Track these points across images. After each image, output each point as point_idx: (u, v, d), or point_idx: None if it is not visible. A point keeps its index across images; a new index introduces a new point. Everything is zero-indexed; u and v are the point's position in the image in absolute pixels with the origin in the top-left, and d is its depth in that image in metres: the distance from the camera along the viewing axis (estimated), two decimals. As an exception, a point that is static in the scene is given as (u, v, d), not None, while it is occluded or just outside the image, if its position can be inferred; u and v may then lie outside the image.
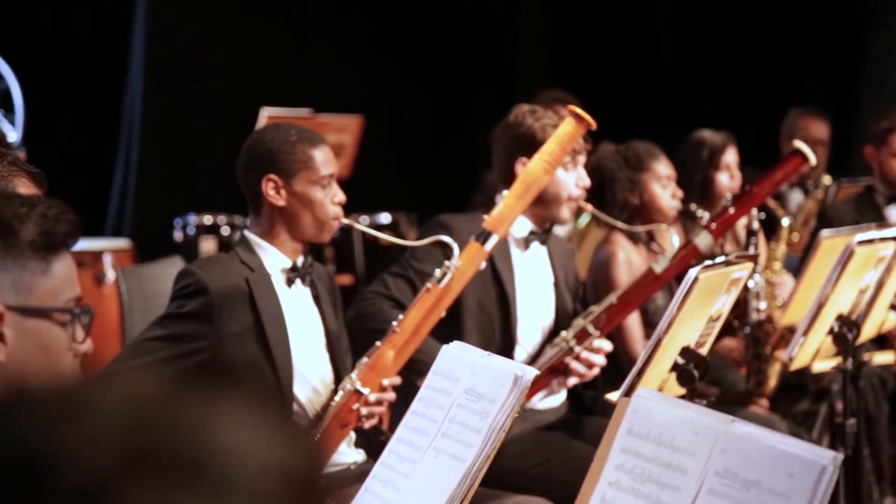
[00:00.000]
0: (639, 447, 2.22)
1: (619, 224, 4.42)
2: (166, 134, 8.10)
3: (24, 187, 2.52)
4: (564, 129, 3.74)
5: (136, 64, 8.20)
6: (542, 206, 3.95)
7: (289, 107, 6.77)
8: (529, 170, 3.72)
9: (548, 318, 4.15)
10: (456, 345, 2.82)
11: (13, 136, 8.12)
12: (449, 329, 3.61)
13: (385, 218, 6.79)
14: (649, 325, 4.67)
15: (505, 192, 3.85)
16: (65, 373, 1.97)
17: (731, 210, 4.25)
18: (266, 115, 6.30)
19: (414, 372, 3.54)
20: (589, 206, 4.19)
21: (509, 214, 3.67)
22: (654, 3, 8.95)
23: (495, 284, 4.02)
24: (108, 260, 6.41)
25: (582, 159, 4.05)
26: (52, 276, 1.94)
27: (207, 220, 6.63)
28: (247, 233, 3.61)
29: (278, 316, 3.52)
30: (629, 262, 4.68)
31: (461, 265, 3.55)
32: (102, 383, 0.88)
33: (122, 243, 6.94)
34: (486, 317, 4.02)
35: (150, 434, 0.84)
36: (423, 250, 3.86)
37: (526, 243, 4.11)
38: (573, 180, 4.03)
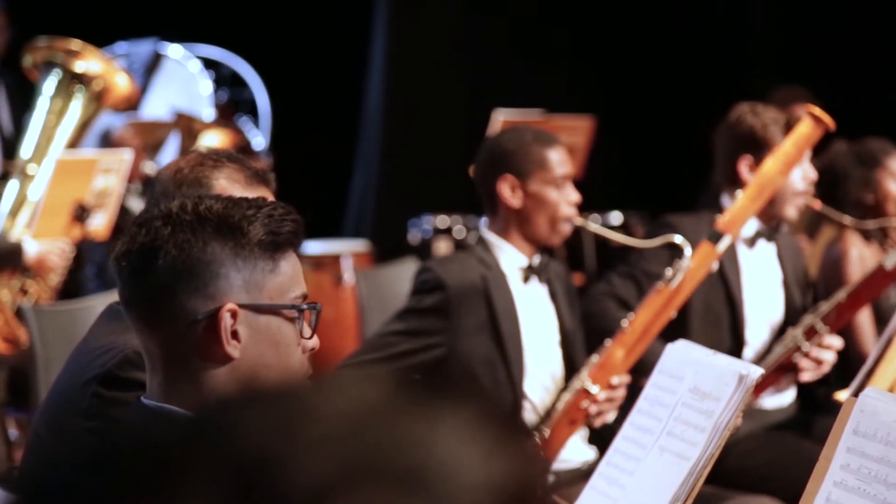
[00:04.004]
0: (865, 447, 2.19)
1: (847, 219, 4.32)
2: (404, 137, 8.25)
3: (227, 180, 2.63)
4: (801, 130, 3.69)
5: (376, 69, 8.39)
6: (769, 204, 3.91)
7: (521, 108, 6.81)
8: (765, 171, 3.69)
9: (777, 316, 4.09)
10: (681, 343, 2.81)
11: (260, 141, 8.42)
12: (676, 330, 3.59)
13: (616, 218, 6.78)
14: (882, 322, 4.56)
15: (734, 193, 3.83)
16: (294, 368, 2.05)
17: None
18: (499, 117, 6.36)
19: (640, 373, 3.54)
20: (817, 204, 4.11)
21: (743, 215, 3.64)
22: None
23: (722, 285, 3.98)
24: (346, 262, 6.60)
25: (808, 154, 3.98)
26: (280, 274, 2.02)
27: (442, 221, 6.74)
28: (484, 232, 3.68)
29: (512, 312, 3.58)
30: (862, 259, 4.57)
31: (693, 266, 3.54)
32: (324, 390, 0.88)
33: (360, 245, 7.14)
34: (713, 317, 3.99)
35: (370, 444, 0.83)
36: (650, 251, 3.86)
37: (752, 242, 4.06)
38: (799, 176, 3.96)
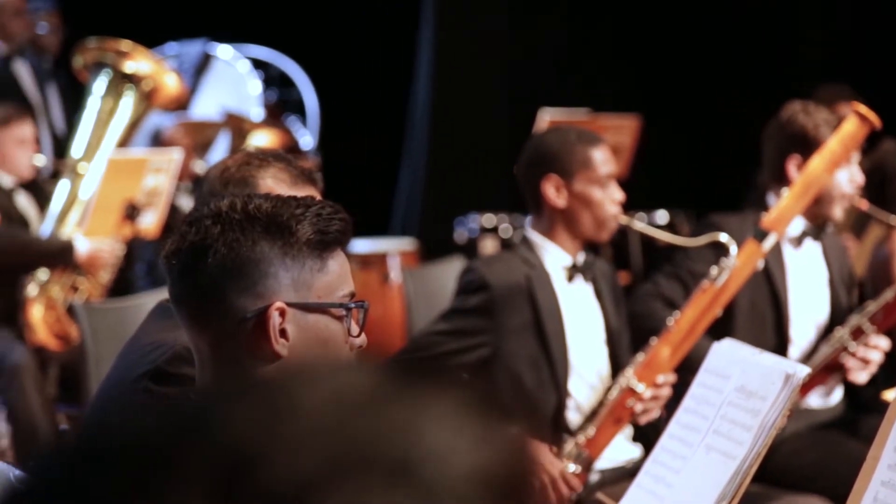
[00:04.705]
0: (912, 446, 2.18)
1: (894, 219, 4.30)
2: (450, 136, 8.27)
3: (273, 179, 2.65)
4: (847, 128, 3.69)
5: (423, 69, 8.42)
6: (815, 204, 3.90)
7: (567, 107, 6.82)
8: (810, 169, 3.68)
9: (822, 315, 4.08)
10: (727, 342, 2.81)
11: (308, 141, 8.47)
12: (720, 329, 3.59)
13: (662, 216, 6.77)
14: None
15: (781, 191, 3.82)
16: None
17: None
18: (545, 116, 6.37)
19: (686, 371, 3.54)
20: (864, 204, 4.09)
21: (788, 214, 3.64)
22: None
23: (767, 284, 3.98)
24: (393, 260, 6.64)
25: (856, 156, 3.97)
26: (328, 272, 2.03)
27: (489, 220, 6.75)
28: (528, 231, 3.69)
29: (556, 312, 3.59)
30: (910, 259, 4.55)
31: (738, 264, 3.53)
32: (311, 380, 0.85)
33: (407, 244, 7.17)
34: (757, 316, 3.98)
35: (356, 435, 0.81)
36: (695, 250, 3.85)
37: (799, 241, 4.05)
38: (846, 178, 3.95)
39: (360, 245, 6.80)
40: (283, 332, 2.00)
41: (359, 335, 2.09)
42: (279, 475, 0.79)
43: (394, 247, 6.99)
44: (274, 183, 2.64)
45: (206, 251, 1.98)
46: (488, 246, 6.62)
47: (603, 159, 3.61)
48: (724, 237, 3.58)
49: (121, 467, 0.81)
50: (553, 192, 3.59)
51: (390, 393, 0.85)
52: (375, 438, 0.81)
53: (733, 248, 3.55)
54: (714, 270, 3.53)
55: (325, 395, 0.83)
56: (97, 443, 0.84)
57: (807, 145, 3.89)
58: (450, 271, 4.97)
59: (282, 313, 2.00)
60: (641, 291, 4.01)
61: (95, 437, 0.85)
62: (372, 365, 0.87)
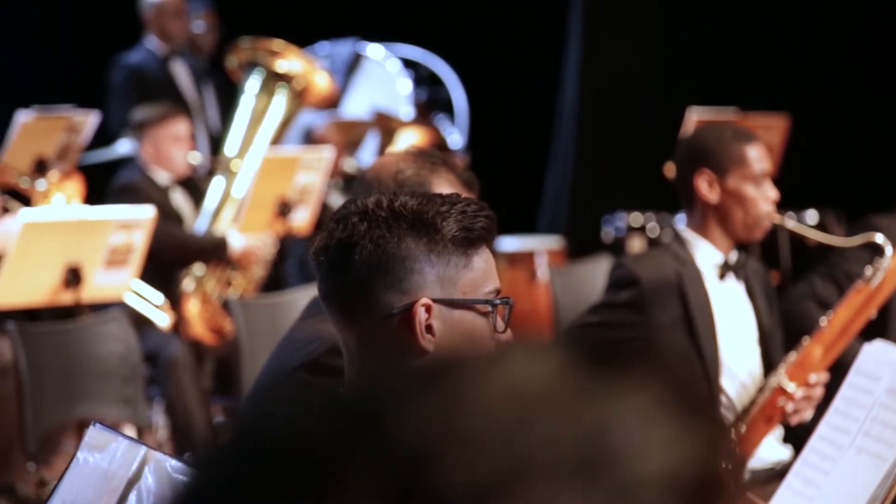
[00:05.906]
0: None
1: None
2: (598, 135, 8.26)
3: (445, 182, 2.68)
4: None
5: (571, 67, 8.41)
6: None
7: (716, 106, 6.76)
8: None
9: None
10: (878, 343, 2.77)
11: (456, 139, 8.53)
12: (873, 330, 3.53)
13: (812, 216, 6.66)
14: None
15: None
16: None
17: None
18: (693, 115, 6.32)
19: (838, 372, 3.50)
20: None
21: (946, 214, 3.57)
22: None
23: (921, 286, 3.91)
24: (540, 258, 6.66)
25: None
26: (473, 269, 2.04)
27: (636, 219, 6.71)
28: (680, 228, 3.68)
29: (707, 309, 3.57)
30: None
31: (893, 265, 3.47)
32: (489, 369, 0.79)
33: (554, 242, 7.18)
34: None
35: (538, 434, 0.76)
36: (851, 251, 3.80)
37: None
38: None
39: (508, 243, 6.84)
40: (429, 328, 2.02)
41: (504, 331, 2.09)
42: (457, 478, 0.75)
43: (541, 245, 7.01)
44: (448, 187, 2.65)
45: (353, 248, 2.01)
46: (635, 245, 6.59)
47: (757, 156, 3.58)
48: (879, 238, 3.52)
49: (291, 467, 0.78)
50: (706, 186, 3.57)
51: (576, 382, 0.79)
52: (560, 437, 0.76)
53: (888, 249, 3.49)
54: (868, 271, 3.48)
55: (502, 389, 0.78)
56: (264, 440, 0.81)
57: None
58: (597, 270, 4.98)
59: (427, 309, 2.01)
60: (796, 292, 3.97)
61: (261, 434, 0.82)
62: (549, 354, 0.80)
